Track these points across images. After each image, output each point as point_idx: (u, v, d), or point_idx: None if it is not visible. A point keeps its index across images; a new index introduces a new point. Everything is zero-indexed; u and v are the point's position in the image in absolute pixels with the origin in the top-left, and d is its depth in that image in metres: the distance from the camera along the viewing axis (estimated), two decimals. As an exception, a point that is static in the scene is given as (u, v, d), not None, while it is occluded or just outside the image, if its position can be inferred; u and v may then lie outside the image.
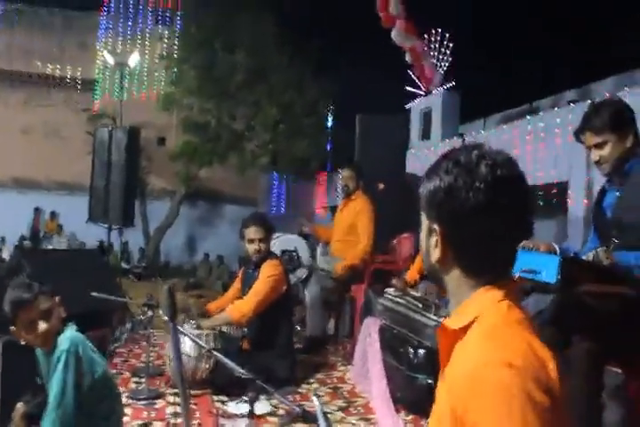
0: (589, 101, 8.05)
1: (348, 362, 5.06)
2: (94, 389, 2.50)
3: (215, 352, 2.60)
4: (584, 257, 2.61)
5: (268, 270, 4.40)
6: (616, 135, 2.73)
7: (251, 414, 2.39)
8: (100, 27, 18.52)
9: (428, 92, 12.71)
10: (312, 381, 4.63)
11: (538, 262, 2.42)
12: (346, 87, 14.71)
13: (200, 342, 2.77)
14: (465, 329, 1.18)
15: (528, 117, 9.38)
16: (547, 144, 8.67)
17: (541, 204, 8.75)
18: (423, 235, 1.30)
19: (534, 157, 8.87)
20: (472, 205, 1.16)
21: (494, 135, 10.01)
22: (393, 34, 11.56)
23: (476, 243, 1.19)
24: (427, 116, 12.85)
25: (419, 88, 12.91)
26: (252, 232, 4.45)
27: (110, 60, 15.36)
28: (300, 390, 4.36)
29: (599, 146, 2.78)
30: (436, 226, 1.23)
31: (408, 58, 11.40)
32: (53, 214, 16.63)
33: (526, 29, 14.92)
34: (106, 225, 8.45)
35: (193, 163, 15.08)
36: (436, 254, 1.24)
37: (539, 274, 2.40)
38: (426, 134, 12.93)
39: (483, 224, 1.17)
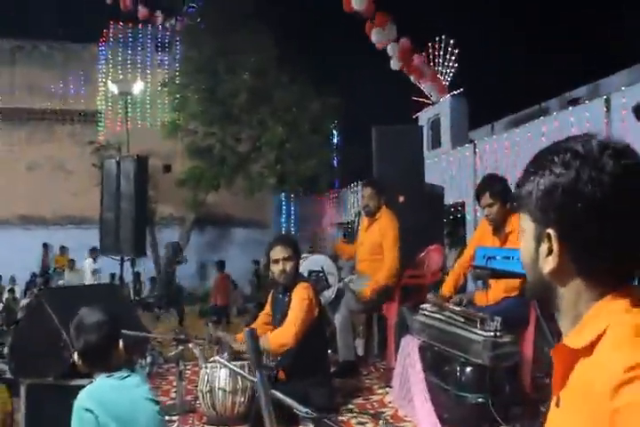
0: (605, 97, 7.97)
1: (386, 384, 4.83)
2: None
3: (275, 391, 2.37)
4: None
5: (301, 295, 4.12)
6: None
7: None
8: (100, 58, 18.61)
9: (434, 102, 12.59)
10: (351, 407, 4.38)
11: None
12: (349, 102, 14.64)
13: (261, 383, 2.53)
14: (592, 346, 1.00)
15: (542, 118, 9.20)
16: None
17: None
18: (528, 243, 1.11)
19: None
20: (600, 201, 1.00)
21: (507, 139, 9.84)
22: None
23: (605, 245, 1.02)
24: (435, 125, 12.72)
25: (425, 97, 12.80)
26: (277, 252, 4.18)
27: (114, 89, 15.33)
28: (341, 418, 4.11)
29: None
30: (550, 231, 1.05)
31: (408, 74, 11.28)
32: (63, 249, 16.47)
33: (527, 31, 14.84)
34: (118, 257, 8.28)
35: (200, 188, 14.97)
36: (550, 264, 1.06)
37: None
38: (435, 143, 12.77)
39: (612, 222, 1.02)
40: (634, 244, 1.05)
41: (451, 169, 11.42)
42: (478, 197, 4.33)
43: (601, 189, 1.00)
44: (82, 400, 2.25)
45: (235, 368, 2.34)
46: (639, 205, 1.03)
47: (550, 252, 1.06)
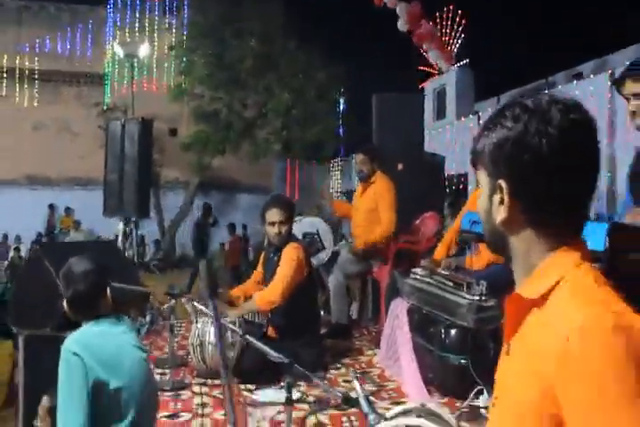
0: (610, 71, 7.91)
1: (375, 346, 4.94)
2: (111, 403, 2.30)
3: (249, 337, 2.47)
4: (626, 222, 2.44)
5: (290, 254, 4.24)
6: None
7: (289, 401, 2.24)
8: (108, 20, 18.44)
9: (440, 72, 12.51)
10: (339, 366, 4.51)
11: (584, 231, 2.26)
12: (356, 71, 14.57)
13: (233, 328, 2.63)
14: (544, 297, 1.04)
15: (545, 92, 9.17)
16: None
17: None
18: (484, 195, 1.16)
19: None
20: (546, 153, 1.04)
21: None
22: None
23: (551, 196, 1.06)
24: (441, 95, 12.66)
25: (431, 68, 12.72)
26: (273, 214, 4.28)
27: (120, 51, 15.25)
28: (329, 376, 4.23)
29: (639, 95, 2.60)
30: (502, 182, 1.09)
31: (415, 40, 11.12)
32: (68, 210, 16.62)
33: (538, 5, 14.64)
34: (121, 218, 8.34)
35: (205, 152, 15.00)
36: (502, 214, 1.10)
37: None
38: (441, 113, 12.72)
39: (558, 174, 1.05)
40: (579, 197, 1.09)
41: (455, 140, 11.41)
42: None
43: (548, 142, 1.03)
44: (68, 345, 2.33)
45: (224, 322, 2.42)
46: (586, 158, 1.07)
47: (502, 202, 1.10)
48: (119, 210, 8.06)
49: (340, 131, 16.83)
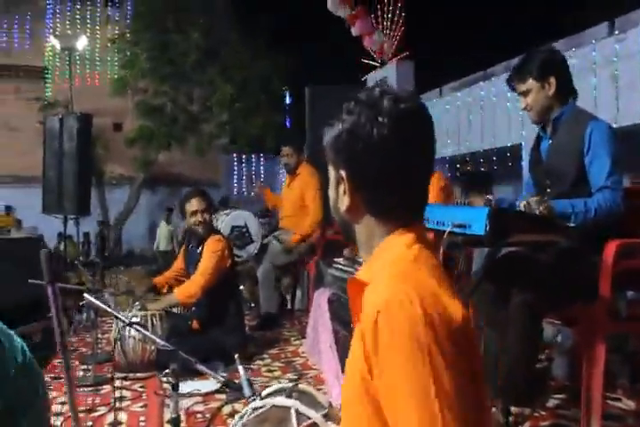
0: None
1: (303, 336, 4.98)
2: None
3: (138, 327, 2.48)
4: (517, 206, 2.54)
5: (211, 247, 4.28)
6: (538, 83, 2.73)
7: (175, 388, 2.26)
8: (48, 12, 17.95)
9: (382, 64, 12.54)
10: (265, 356, 4.54)
11: (467, 216, 2.33)
12: (303, 63, 14.54)
13: (119, 316, 2.62)
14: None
15: (481, 83, 9.34)
16: (500, 108, 8.65)
17: (496, 168, 8.76)
18: (332, 187, 1.21)
19: (489, 122, 8.86)
20: (377, 141, 1.09)
21: (449, 102, 9.96)
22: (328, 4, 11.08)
23: (385, 182, 1.11)
24: (382, 88, 12.73)
25: (374, 60, 12.72)
26: (195, 204, 4.32)
27: (57, 44, 14.88)
28: (252, 366, 4.25)
29: (525, 94, 2.78)
30: (343, 172, 1.14)
31: (354, 31, 11.10)
32: (9, 208, 16.17)
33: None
34: (61, 216, 8.21)
35: (150, 147, 14.80)
36: (345, 202, 1.16)
37: (468, 228, 2.31)
38: (382, 106, 12.77)
39: (390, 161, 1.10)
40: (413, 182, 1.13)
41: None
42: None
43: (378, 130, 1.08)
44: None
45: (109, 309, 2.42)
46: (416, 145, 1.12)
47: (345, 191, 1.15)
48: (58, 207, 7.91)
49: (287, 123, 16.82)
